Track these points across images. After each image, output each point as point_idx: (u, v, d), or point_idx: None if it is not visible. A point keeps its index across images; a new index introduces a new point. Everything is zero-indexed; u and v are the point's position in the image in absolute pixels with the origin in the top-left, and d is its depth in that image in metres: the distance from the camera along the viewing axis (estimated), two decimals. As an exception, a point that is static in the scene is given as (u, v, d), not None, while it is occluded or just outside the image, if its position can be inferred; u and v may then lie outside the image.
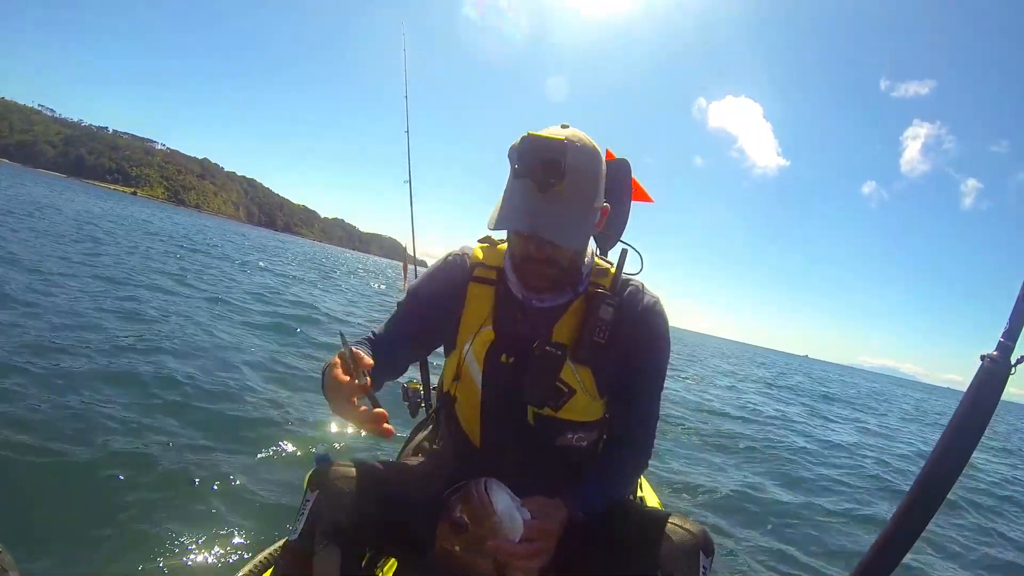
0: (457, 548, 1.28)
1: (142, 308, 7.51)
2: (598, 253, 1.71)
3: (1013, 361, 1.39)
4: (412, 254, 3.19)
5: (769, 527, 3.82)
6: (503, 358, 1.53)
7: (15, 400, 3.91)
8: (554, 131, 1.36)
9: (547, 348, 1.47)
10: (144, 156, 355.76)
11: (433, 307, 1.64)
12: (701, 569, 1.32)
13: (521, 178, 1.35)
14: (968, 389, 1.43)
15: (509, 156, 1.43)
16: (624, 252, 1.60)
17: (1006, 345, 1.40)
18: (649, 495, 2.42)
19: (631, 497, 1.88)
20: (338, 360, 1.28)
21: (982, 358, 1.43)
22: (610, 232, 1.80)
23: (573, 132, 1.38)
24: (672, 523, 1.37)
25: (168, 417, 4.31)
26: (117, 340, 6.15)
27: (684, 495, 4.34)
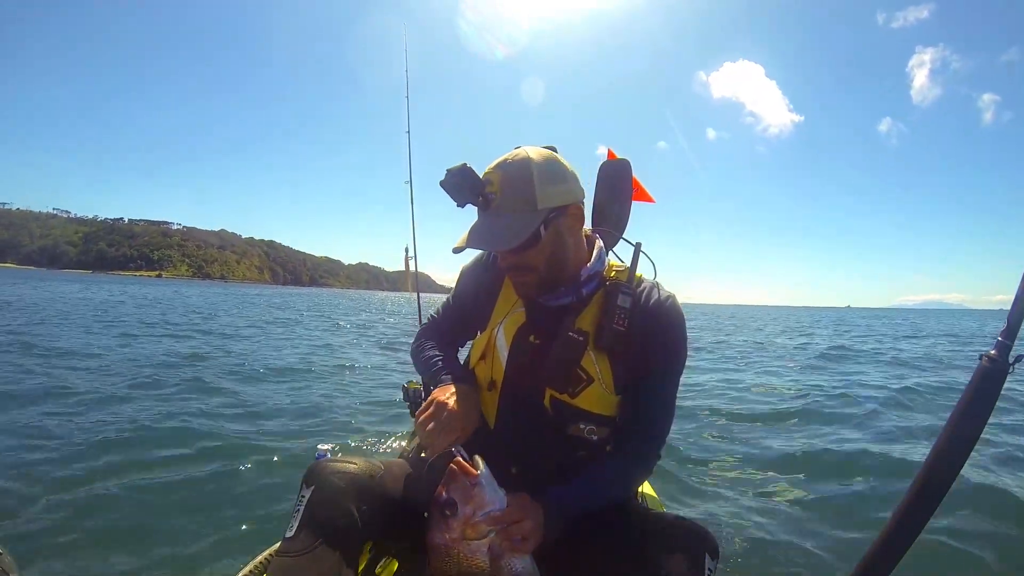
0: (449, 538, 1.26)
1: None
2: (614, 256, 1.75)
3: (1011, 360, 1.36)
4: (414, 254, 3.22)
5: (775, 528, 3.74)
6: (531, 338, 1.56)
7: (16, 406, 4.03)
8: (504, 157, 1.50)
9: (570, 334, 1.50)
10: (162, 239, 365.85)
11: (476, 288, 1.74)
12: (706, 571, 1.30)
13: (464, 206, 1.48)
14: (967, 388, 1.41)
15: None
16: (638, 248, 1.65)
17: (1004, 344, 1.37)
18: (651, 495, 2.38)
19: (633, 498, 1.87)
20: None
21: (980, 358, 1.40)
22: (612, 230, 1.84)
23: (512, 151, 1.51)
24: (677, 524, 1.38)
25: (167, 418, 4.36)
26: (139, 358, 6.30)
27: (687, 496, 4.27)
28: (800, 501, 4.36)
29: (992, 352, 1.38)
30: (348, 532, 1.32)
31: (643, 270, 1.65)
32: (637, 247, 1.65)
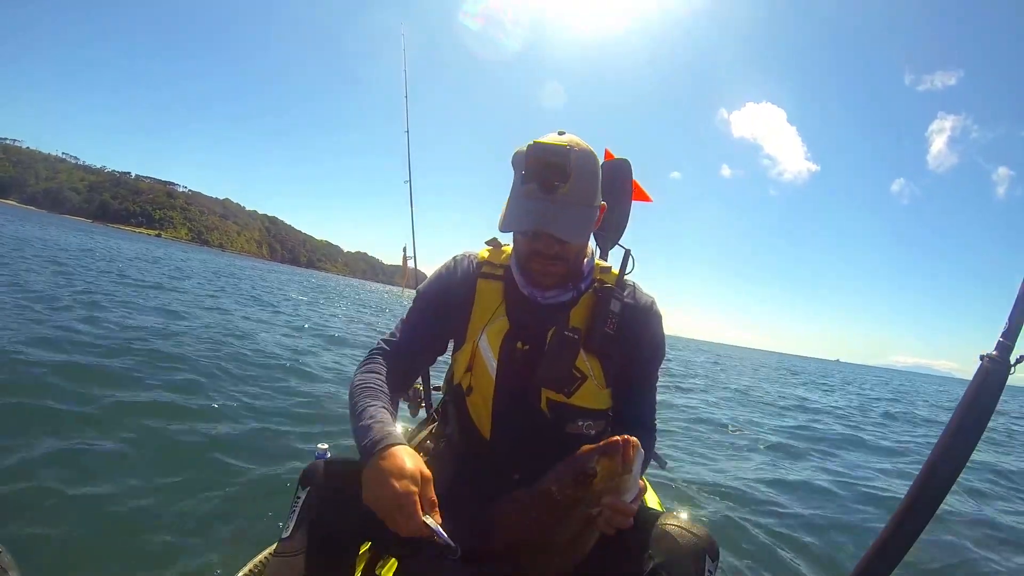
0: (561, 495, 1.26)
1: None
2: (599, 254, 1.80)
3: (1012, 361, 1.40)
4: (413, 254, 3.30)
5: (775, 529, 3.78)
6: (519, 345, 1.58)
7: (17, 404, 4.04)
8: (554, 137, 1.48)
9: (565, 333, 1.53)
10: (166, 199, 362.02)
11: (443, 304, 1.70)
12: (706, 572, 1.32)
13: (528, 183, 1.46)
14: (968, 389, 1.45)
15: (514, 163, 1.52)
16: (627, 253, 1.70)
17: (1005, 345, 1.41)
18: (651, 497, 2.40)
19: None
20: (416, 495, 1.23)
21: (981, 358, 1.44)
22: (610, 231, 1.88)
23: (571, 138, 1.48)
24: (678, 526, 1.39)
25: (167, 419, 4.38)
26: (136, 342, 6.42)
27: (687, 497, 4.30)
28: (800, 502, 4.43)
29: (993, 353, 1.43)
30: (344, 532, 1.35)
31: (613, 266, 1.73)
32: (626, 254, 1.70)
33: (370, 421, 1.37)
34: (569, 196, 1.44)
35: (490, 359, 1.59)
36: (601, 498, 1.24)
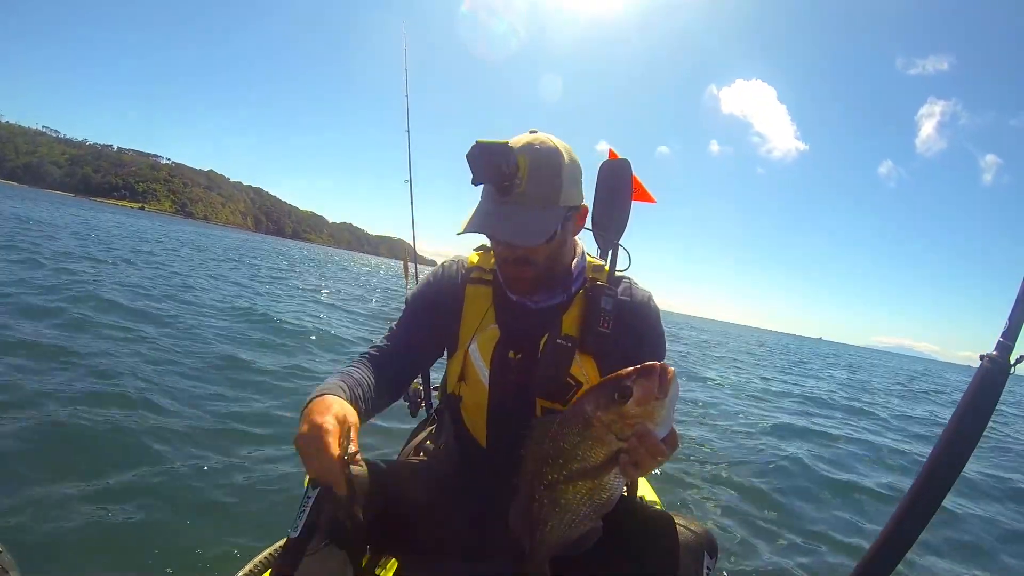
0: (595, 415, 1.21)
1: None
2: (599, 253, 1.78)
3: (1012, 361, 1.41)
4: (413, 252, 3.29)
5: (774, 527, 3.83)
6: (511, 354, 1.55)
7: (18, 402, 4.01)
8: (516, 139, 1.43)
9: (558, 341, 1.50)
10: (150, 171, 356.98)
11: (432, 312, 1.67)
12: (705, 570, 1.33)
13: (481, 184, 1.43)
14: (968, 389, 1.45)
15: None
16: (615, 248, 1.68)
17: (1005, 345, 1.42)
18: (649, 494, 2.41)
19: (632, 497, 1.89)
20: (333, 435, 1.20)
21: (981, 358, 1.45)
22: (611, 232, 1.85)
23: (535, 136, 1.44)
24: (676, 523, 1.39)
25: (167, 417, 4.36)
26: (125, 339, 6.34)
27: (686, 496, 4.34)
28: (800, 502, 4.48)
29: (993, 353, 1.44)
30: (353, 533, 1.36)
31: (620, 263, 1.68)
32: (615, 245, 1.68)
33: (315, 390, 1.36)
34: (525, 197, 1.40)
35: (482, 368, 1.57)
36: (633, 425, 1.19)
